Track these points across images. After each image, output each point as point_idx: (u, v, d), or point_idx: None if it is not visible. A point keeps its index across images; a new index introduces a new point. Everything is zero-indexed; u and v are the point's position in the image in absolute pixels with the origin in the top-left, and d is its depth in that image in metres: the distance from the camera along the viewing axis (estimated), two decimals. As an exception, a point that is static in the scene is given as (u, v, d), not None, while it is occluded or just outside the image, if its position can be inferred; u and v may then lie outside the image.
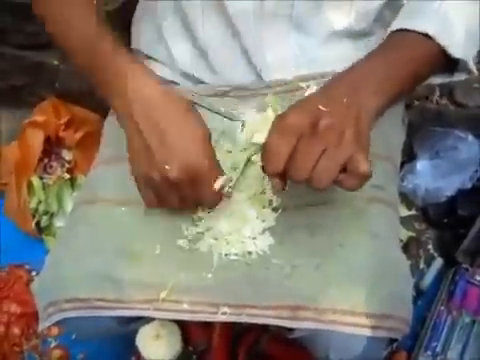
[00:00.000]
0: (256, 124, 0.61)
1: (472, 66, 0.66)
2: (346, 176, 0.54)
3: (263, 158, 0.57)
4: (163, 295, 0.66)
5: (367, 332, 0.61)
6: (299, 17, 0.73)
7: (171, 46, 0.81)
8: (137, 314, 0.67)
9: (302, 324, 0.61)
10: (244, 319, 0.64)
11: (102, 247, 0.69)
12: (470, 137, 1.17)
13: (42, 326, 0.71)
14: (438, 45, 0.61)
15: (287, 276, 0.64)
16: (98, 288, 0.67)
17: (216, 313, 0.65)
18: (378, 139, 0.74)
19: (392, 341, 0.72)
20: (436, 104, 1.17)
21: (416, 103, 1.16)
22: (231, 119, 0.67)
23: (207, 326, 1.10)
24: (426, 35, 0.61)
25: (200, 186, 0.61)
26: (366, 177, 0.54)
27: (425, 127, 1.20)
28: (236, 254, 0.67)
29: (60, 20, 0.67)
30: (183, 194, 0.61)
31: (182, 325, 1.11)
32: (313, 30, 0.75)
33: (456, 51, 0.62)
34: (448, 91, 1.15)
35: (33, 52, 1.31)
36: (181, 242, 0.69)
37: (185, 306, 0.66)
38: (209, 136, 0.62)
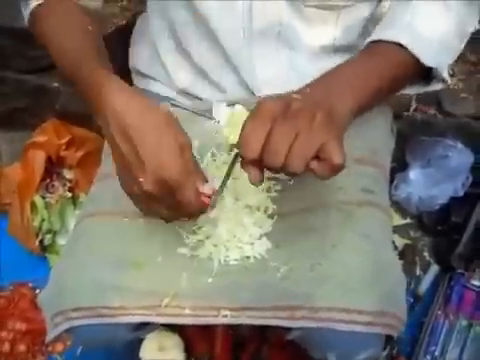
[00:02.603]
0: (228, 121, 0.60)
1: (446, 76, 0.68)
2: (319, 165, 0.54)
3: (240, 147, 0.56)
4: (166, 301, 0.68)
5: (362, 329, 0.63)
6: (287, 34, 0.77)
7: (167, 65, 0.85)
8: (141, 320, 0.69)
9: (299, 323, 0.64)
10: (244, 321, 0.66)
11: (105, 257, 0.71)
12: (459, 145, 1.20)
13: (50, 336, 0.73)
14: (411, 54, 0.64)
15: (284, 278, 0.66)
16: (103, 296, 0.69)
17: (217, 316, 0.67)
18: (367, 146, 0.78)
19: (388, 342, 0.74)
20: (425, 114, 1.20)
21: (405, 114, 1.20)
22: (209, 118, 0.66)
23: (209, 336, 1.12)
24: (400, 45, 0.64)
25: (179, 196, 0.56)
26: (339, 168, 0.54)
27: (416, 137, 1.24)
28: (235, 259, 0.70)
29: (56, 45, 0.69)
30: (166, 204, 0.58)
31: (184, 336, 1.12)
32: (301, 46, 0.79)
33: (429, 60, 0.65)
34: (436, 101, 1.19)
35: (34, 76, 1.35)
36: (182, 250, 0.72)
37: (187, 311, 0.68)
38: (187, 146, 0.57)
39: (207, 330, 1.12)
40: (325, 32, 0.78)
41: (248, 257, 0.69)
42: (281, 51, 0.79)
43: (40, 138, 1.30)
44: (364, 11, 0.77)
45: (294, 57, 0.80)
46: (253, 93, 0.81)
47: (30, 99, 1.43)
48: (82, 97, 0.65)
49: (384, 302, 0.65)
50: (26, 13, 0.76)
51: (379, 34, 0.67)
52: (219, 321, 0.67)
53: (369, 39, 0.68)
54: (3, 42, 1.30)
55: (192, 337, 1.13)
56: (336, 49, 0.79)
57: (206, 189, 0.58)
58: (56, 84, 1.36)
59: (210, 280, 0.69)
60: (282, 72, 0.81)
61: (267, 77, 0.80)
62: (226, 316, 0.67)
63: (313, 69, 0.80)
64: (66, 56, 0.67)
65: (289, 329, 0.67)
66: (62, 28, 0.70)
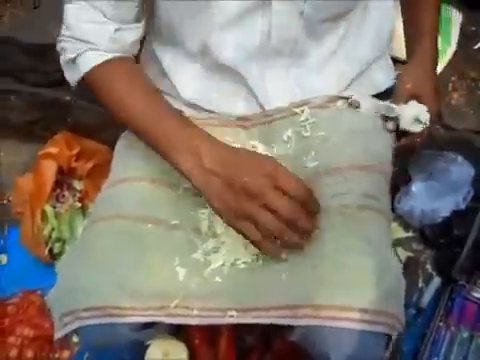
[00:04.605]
0: None
1: None
2: None
3: None
4: (175, 302, 0.71)
5: (362, 327, 0.65)
6: (297, 52, 0.80)
7: (174, 79, 0.87)
8: (150, 320, 0.72)
9: (302, 321, 0.66)
10: (249, 320, 0.69)
11: (121, 259, 0.73)
12: (460, 159, 1.22)
13: (58, 335, 0.75)
14: None
15: (287, 278, 0.69)
16: (114, 297, 0.71)
17: (224, 317, 0.70)
18: (370, 153, 0.80)
19: (387, 345, 0.75)
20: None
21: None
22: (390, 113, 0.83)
23: (213, 345, 1.14)
24: None
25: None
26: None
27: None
28: (244, 262, 0.73)
29: (123, 110, 0.76)
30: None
31: (189, 344, 1.14)
32: (308, 62, 0.82)
33: None
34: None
35: (48, 89, 1.39)
36: (196, 255, 0.76)
37: (195, 312, 0.71)
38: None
39: (212, 338, 1.14)
40: (331, 45, 0.82)
41: (253, 259, 0.73)
42: (290, 67, 0.82)
43: (52, 149, 1.34)
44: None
45: (300, 73, 0.83)
46: (262, 106, 0.84)
47: (43, 112, 1.47)
48: (158, 151, 0.73)
49: (384, 301, 0.66)
50: (74, 77, 0.80)
51: None
52: (225, 321, 0.69)
53: None
54: (20, 57, 1.35)
55: (197, 345, 1.15)
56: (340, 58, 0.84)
57: None
58: (68, 98, 1.39)
59: (220, 280, 0.72)
60: (289, 87, 0.84)
61: (277, 91, 0.83)
62: (232, 316, 0.69)
63: (317, 82, 0.84)
64: (135, 120, 0.75)
65: (292, 329, 0.70)
66: (127, 93, 0.76)
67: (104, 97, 0.78)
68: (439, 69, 1.14)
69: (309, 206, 0.66)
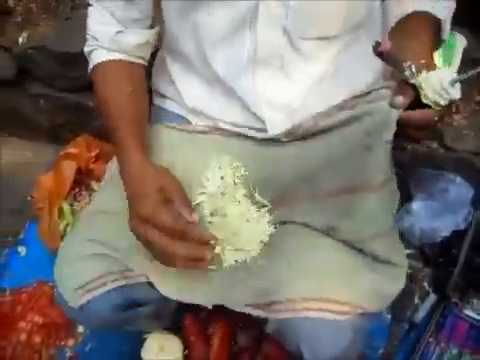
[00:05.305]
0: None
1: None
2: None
3: None
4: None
5: (330, 316, 0.70)
6: (289, 68, 0.84)
7: (179, 87, 0.95)
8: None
9: (278, 315, 0.72)
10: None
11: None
12: (458, 179, 1.24)
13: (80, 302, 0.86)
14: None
15: (264, 272, 0.75)
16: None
17: None
18: (343, 177, 0.82)
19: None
20: (427, 148, 1.26)
21: (408, 146, 1.25)
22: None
23: (207, 342, 1.19)
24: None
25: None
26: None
27: (418, 169, 1.28)
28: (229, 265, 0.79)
29: (103, 104, 0.86)
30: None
31: (184, 340, 1.20)
32: (301, 78, 0.85)
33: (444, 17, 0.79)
34: (439, 136, 1.24)
35: (73, 94, 1.48)
36: None
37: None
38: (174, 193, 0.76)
39: (206, 336, 1.20)
40: (324, 63, 0.85)
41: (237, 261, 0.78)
42: (282, 82, 0.86)
43: (72, 150, 1.42)
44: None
45: (292, 88, 0.86)
46: (258, 119, 0.88)
47: (70, 116, 1.56)
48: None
49: (348, 294, 0.71)
50: (89, 67, 0.91)
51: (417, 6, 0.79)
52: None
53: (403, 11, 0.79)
54: (51, 64, 1.44)
55: (192, 341, 1.20)
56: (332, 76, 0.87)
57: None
58: (92, 103, 1.48)
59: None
60: (282, 101, 0.87)
61: (270, 105, 0.87)
62: None
63: (310, 98, 0.87)
64: (110, 118, 0.84)
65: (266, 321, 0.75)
66: (111, 93, 0.86)
67: (96, 91, 0.88)
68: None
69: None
